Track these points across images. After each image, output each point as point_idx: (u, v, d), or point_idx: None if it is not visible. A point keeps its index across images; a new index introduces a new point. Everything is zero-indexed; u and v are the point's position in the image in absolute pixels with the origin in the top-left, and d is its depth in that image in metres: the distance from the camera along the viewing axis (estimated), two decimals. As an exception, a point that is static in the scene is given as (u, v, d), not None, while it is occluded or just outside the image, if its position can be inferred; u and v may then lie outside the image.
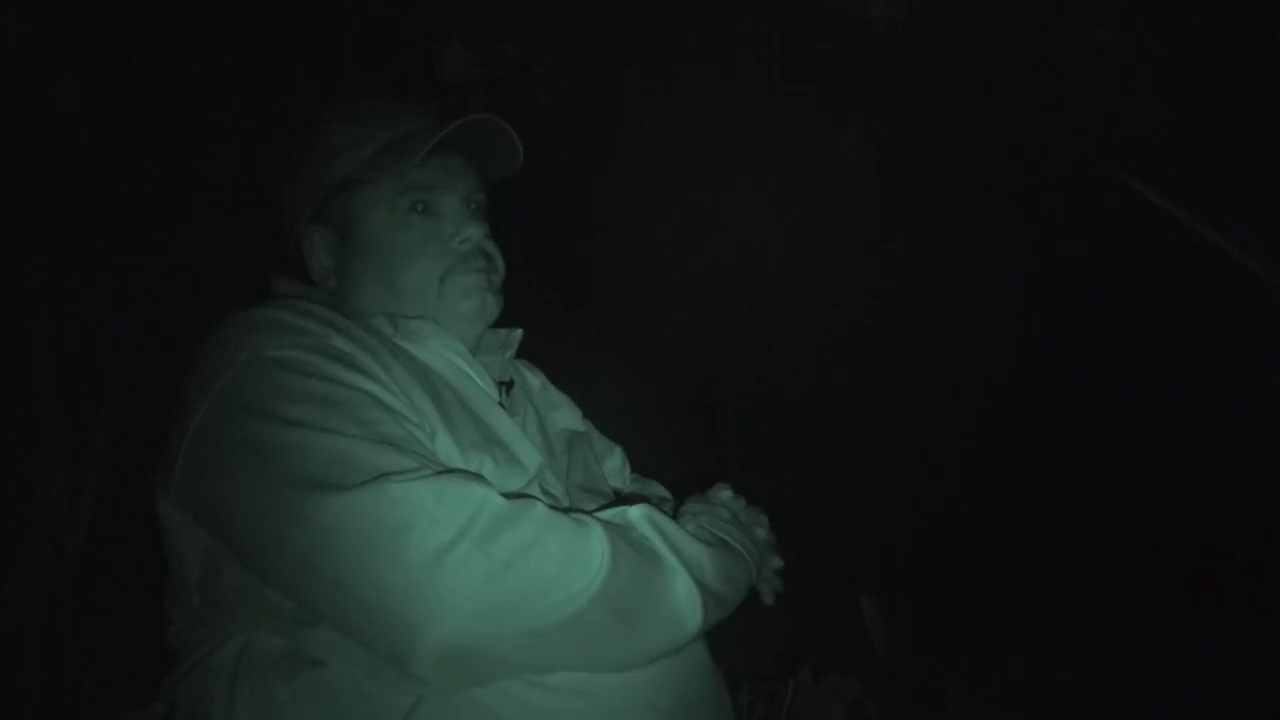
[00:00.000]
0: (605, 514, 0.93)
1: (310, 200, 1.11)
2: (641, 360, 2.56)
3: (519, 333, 1.24)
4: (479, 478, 0.87)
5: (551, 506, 1.02)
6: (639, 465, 1.42)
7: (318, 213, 1.12)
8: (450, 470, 0.85)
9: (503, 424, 1.05)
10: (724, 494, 1.12)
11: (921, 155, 2.66)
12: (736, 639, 1.08)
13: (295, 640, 0.86)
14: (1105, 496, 2.47)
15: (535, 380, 1.31)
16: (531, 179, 1.22)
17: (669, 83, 2.62)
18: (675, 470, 1.45)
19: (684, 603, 0.88)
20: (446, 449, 0.94)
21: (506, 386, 1.17)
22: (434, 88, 2.43)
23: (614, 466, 1.36)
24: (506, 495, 0.94)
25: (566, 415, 1.30)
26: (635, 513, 0.93)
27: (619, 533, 0.89)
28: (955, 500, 2.55)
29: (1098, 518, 2.46)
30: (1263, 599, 2.03)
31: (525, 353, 1.30)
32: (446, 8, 2.45)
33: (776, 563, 1.14)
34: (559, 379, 1.36)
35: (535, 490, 1.02)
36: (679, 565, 0.89)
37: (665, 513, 1.15)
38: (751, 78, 2.64)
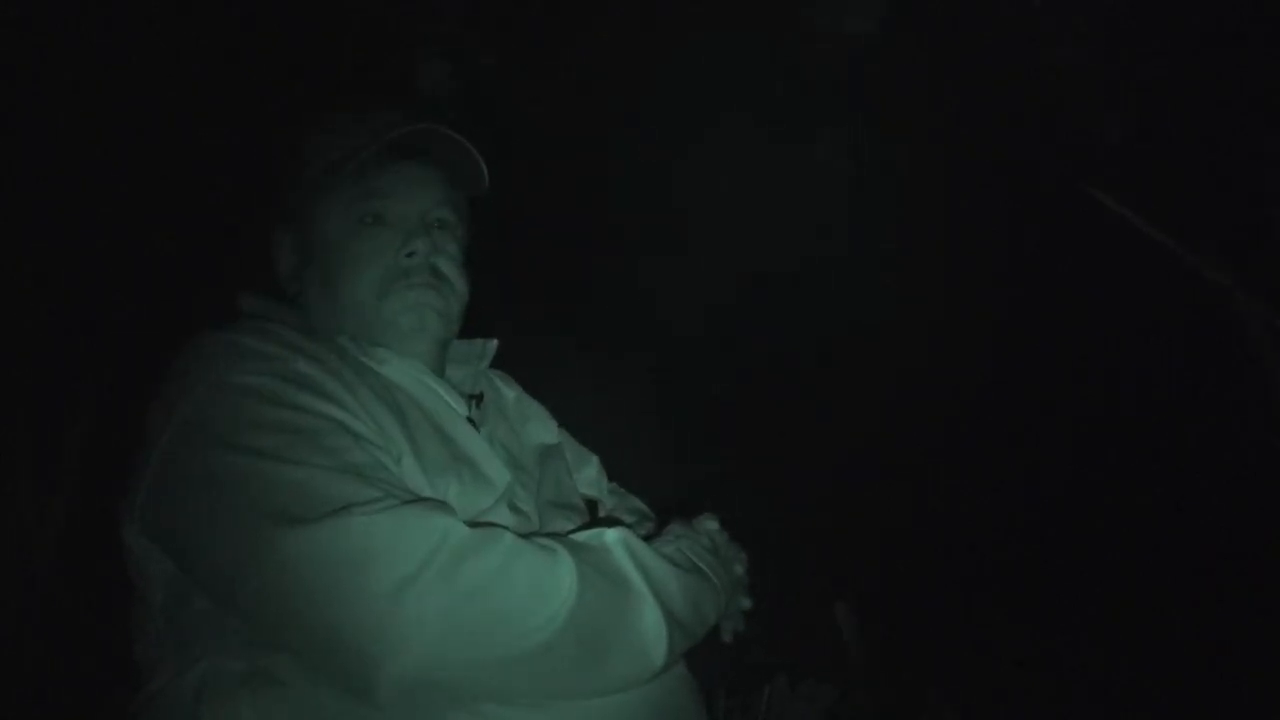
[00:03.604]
0: (581, 535, 0.93)
1: (277, 204, 1.12)
2: (619, 367, 2.57)
3: (494, 344, 1.24)
4: (443, 506, 0.87)
5: (521, 526, 1.03)
6: (617, 474, 1.43)
7: (285, 217, 1.12)
8: (415, 500, 0.85)
9: (471, 441, 1.05)
10: (710, 524, 1.12)
11: (898, 162, 2.68)
12: (711, 647, 1.09)
13: (258, 663, 0.85)
14: (1085, 502, 2.49)
15: (510, 391, 1.31)
16: (513, 187, 1.22)
17: (649, 92, 2.63)
18: (654, 477, 1.45)
19: (651, 634, 0.88)
20: (413, 472, 0.94)
21: (476, 400, 1.17)
22: (412, 100, 2.44)
23: (589, 477, 1.36)
24: (474, 517, 0.95)
25: (539, 427, 1.29)
26: (612, 536, 0.92)
27: (589, 558, 0.88)
28: (931, 505, 2.56)
29: (1077, 523, 2.47)
30: (1241, 607, 2.05)
31: (505, 360, 1.30)
32: (425, 21, 2.46)
33: (745, 603, 1.15)
34: (538, 386, 1.36)
35: (504, 508, 1.02)
36: (649, 594, 0.89)
37: (644, 532, 1.16)
38: (730, 86, 2.65)
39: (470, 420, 1.09)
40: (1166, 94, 2.34)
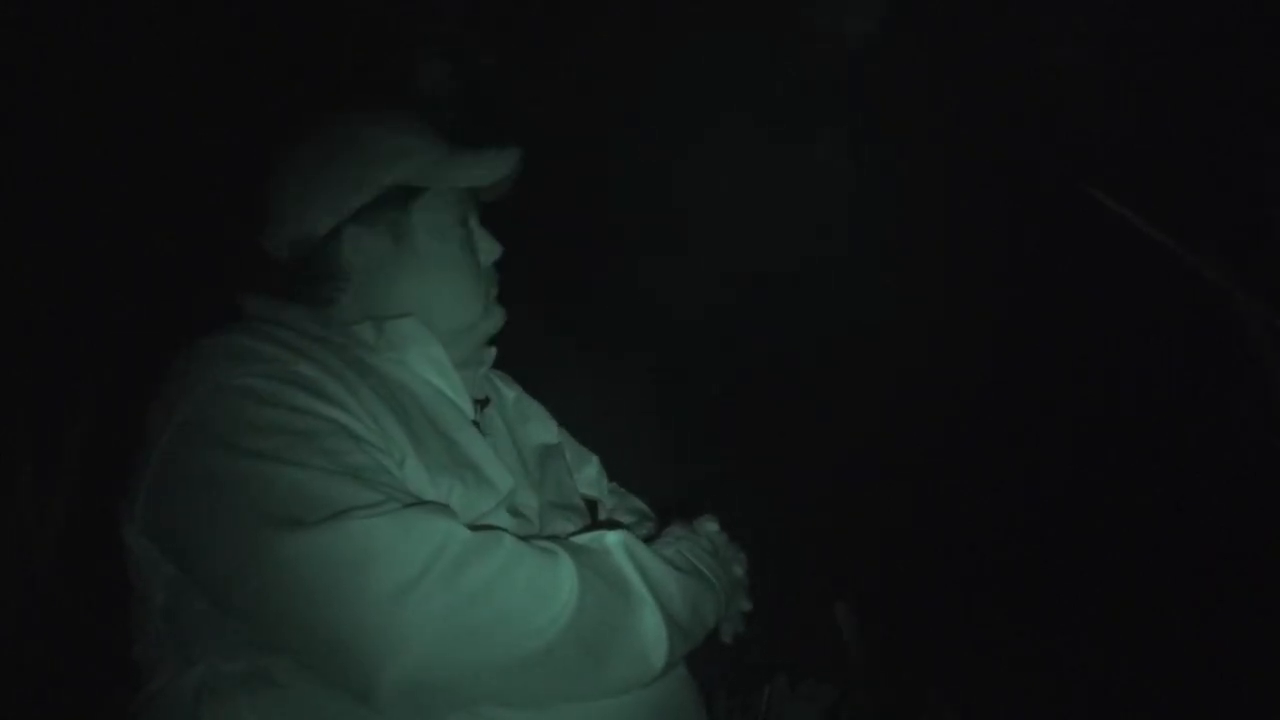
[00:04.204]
0: (582, 538, 0.93)
1: (352, 198, 1.06)
2: (620, 367, 2.57)
3: (492, 351, 1.24)
4: (445, 510, 0.87)
5: (522, 528, 1.03)
6: (617, 474, 1.43)
7: (364, 216, 1.07)
8: (416, 503, 0.85)
9: (475, 444, 1.04)
10: (710, 526, 1.12)
11: (898, 162, 2.68)
12: (711, 648, 1.09)
13: (258, 664, 0.85)
14: (1085, 502, 2.49)
15: (510, 392, 1.31)
16: (513, 187, 1.22)
17: (649, 92, 2.63)
18: (654, 477, 1.45)
19: (651, 637, 0.88)
20: (415, 474, 0.93)
21: (481, 404, 1.18)
22: (412, 99, 2.44)
23: (589, 477, 1.36)
24: (475, 520, 0.95)
25: (539, 427, 1.29)
26: (612, 539, 0.92)
27: (590, 561, 0.88)
28: (931, 505, 2.56)
29: (1077, 523, 2.47)
30: (1241, 607, 2.05)
31: (505, 360, 1.30)
32: (425, 21, 2.46)
33: (745, 605, 1.15)
34: (538, 386, 1.36)
35: (504, 511, 1.02)
36: (650, 598, 0.89)
37: (644, 533, 1.16)
38: (730, 86, 2.65)
39: (475, 423, 1.09)
40: (1166, 94, 2.34)
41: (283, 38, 2.20)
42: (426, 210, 1.10)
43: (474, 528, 0.86)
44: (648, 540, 1.02)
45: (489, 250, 1.16)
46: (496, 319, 1.17)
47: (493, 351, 1.23)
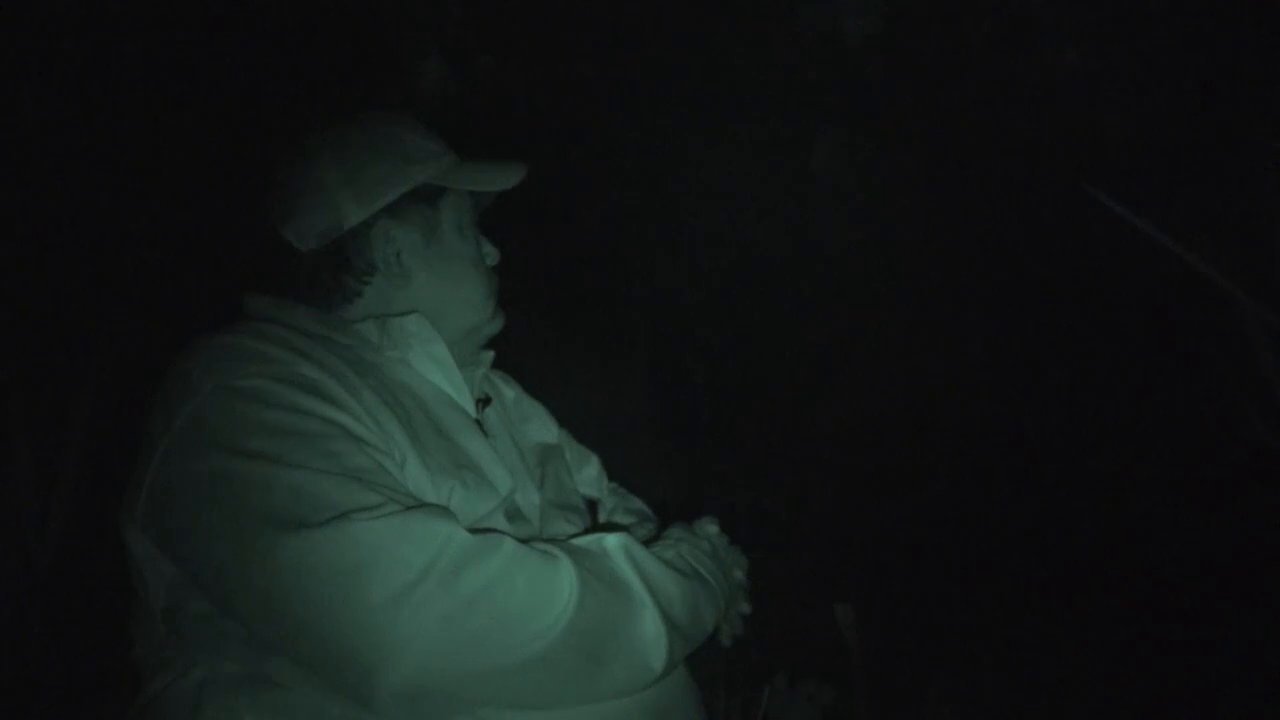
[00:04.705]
0: (581, 541, 0.93)
1: (384, 192, 1.06)
2: (620, 367, 2.57)
3: (490, 354, 1.24)
4: (445, 512, 0.86)
5: (521, 530, 1.03)
6: (617, 474, 1.43)
7: (397, 210, 1.07)
8: (416, 505, 0.84)
9: (475, 445, 1.04)
10: (710, 528, 1.12)
11: (898, 162, 2.69)
12: (711, 648, 1.09)
13: (258, 666, 0.85)
14: (1085, 502, 2.49)
15: (510, 391, 1.31)
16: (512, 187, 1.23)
17: (643, 94, 2.63)
18: (654, 477, 1.45)
19: (650, 640, 0.88)
20: (416, 475, 0.93)
21: (482, 404, 1.18)
22: (412, 99, 2.44)
23: (590, 476, 1.36)
24: (475, 522, 0.94)
25: (540, 427, 1.29)
26: (612, 541, 0.92)
27: (590, 564, 0.88)
28: (932, 507, 2.56)
29: (1077, 524, 2.48)
30: (1241, 607, 2.06)
31: (505, 360, 1.30)
32: (421, 22, 2.46)
33: (745, 608, 1.15)
34: (538, 386, 1.36)
35: (504, 512, 1.02)
36: (650, 601, 0.89)
37: (644, 533, 1.16)
38: (730, 87, 2.65)
39: (477, 422, 1.09)
40: (1166, 94, 2.34)
41: (283, 37, 2.20)
42: (454, 210, 1.12)
43: (473, 530, 0.85)
44: (648, 542, 1.02)
45: (490, 254, 1.18)
46: (500, 322, 1.18)
47: (491, 354, 1.23)
